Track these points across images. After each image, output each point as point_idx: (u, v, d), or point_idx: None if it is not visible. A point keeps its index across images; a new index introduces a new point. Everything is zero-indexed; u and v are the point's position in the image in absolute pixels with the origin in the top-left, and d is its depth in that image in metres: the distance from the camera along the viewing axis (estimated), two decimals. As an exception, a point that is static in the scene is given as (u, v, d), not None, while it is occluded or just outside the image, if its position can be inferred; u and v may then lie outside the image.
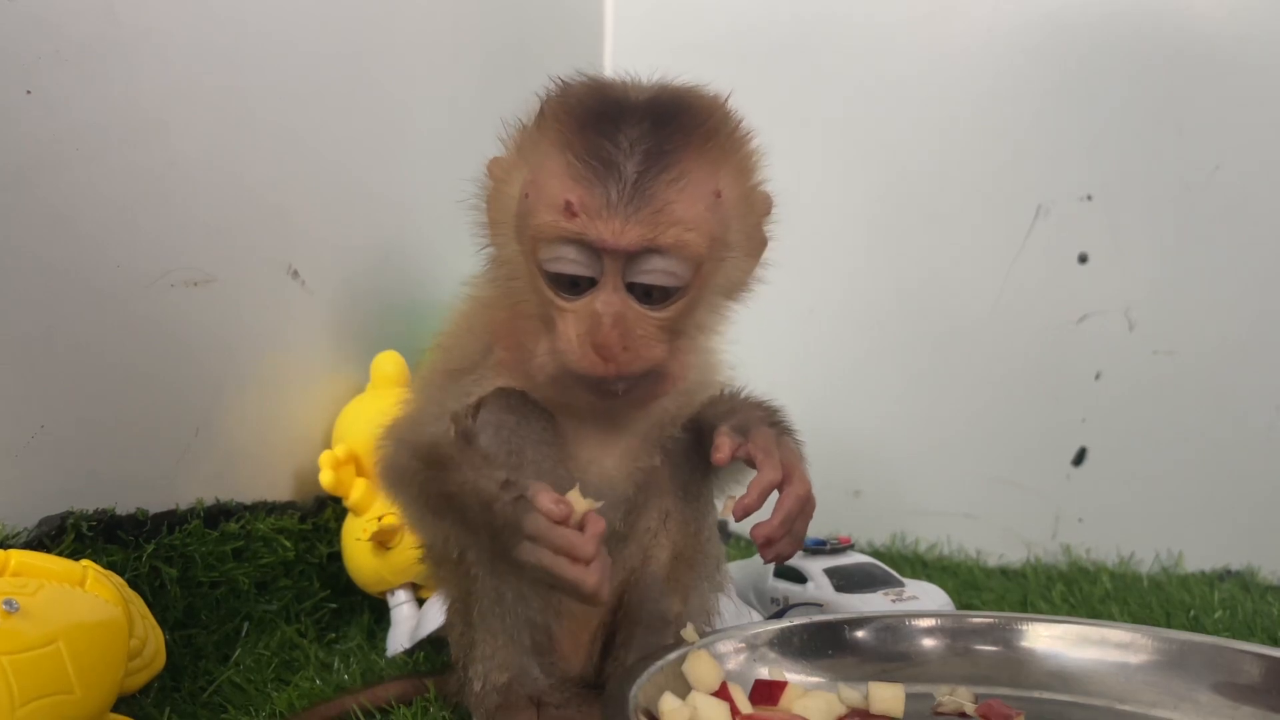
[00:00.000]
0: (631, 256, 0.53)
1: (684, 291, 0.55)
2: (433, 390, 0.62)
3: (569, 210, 0.52)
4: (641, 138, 0.52)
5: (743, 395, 0.63)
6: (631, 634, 0.61)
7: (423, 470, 0.57)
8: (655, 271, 0.53)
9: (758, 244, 0.59)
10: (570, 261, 0.53)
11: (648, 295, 0.54)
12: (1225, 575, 1.07)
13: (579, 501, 0.51)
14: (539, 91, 0.57)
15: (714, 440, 0.57)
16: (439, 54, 1.07)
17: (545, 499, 0.50)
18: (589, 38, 1.33)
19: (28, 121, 0.63)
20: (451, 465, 0.55)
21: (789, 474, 0.56)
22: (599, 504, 0.52)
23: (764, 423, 0.59)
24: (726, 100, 0.57)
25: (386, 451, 0.60)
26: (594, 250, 0.53)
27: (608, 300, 0.53)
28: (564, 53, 1.23)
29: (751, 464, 0.56)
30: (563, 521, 0.50)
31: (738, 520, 0.56)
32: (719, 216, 0.55)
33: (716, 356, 0.64)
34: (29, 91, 0.63)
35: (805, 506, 0.56)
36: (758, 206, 0.58)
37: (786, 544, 0.56)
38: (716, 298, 0.59)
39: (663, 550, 0.62)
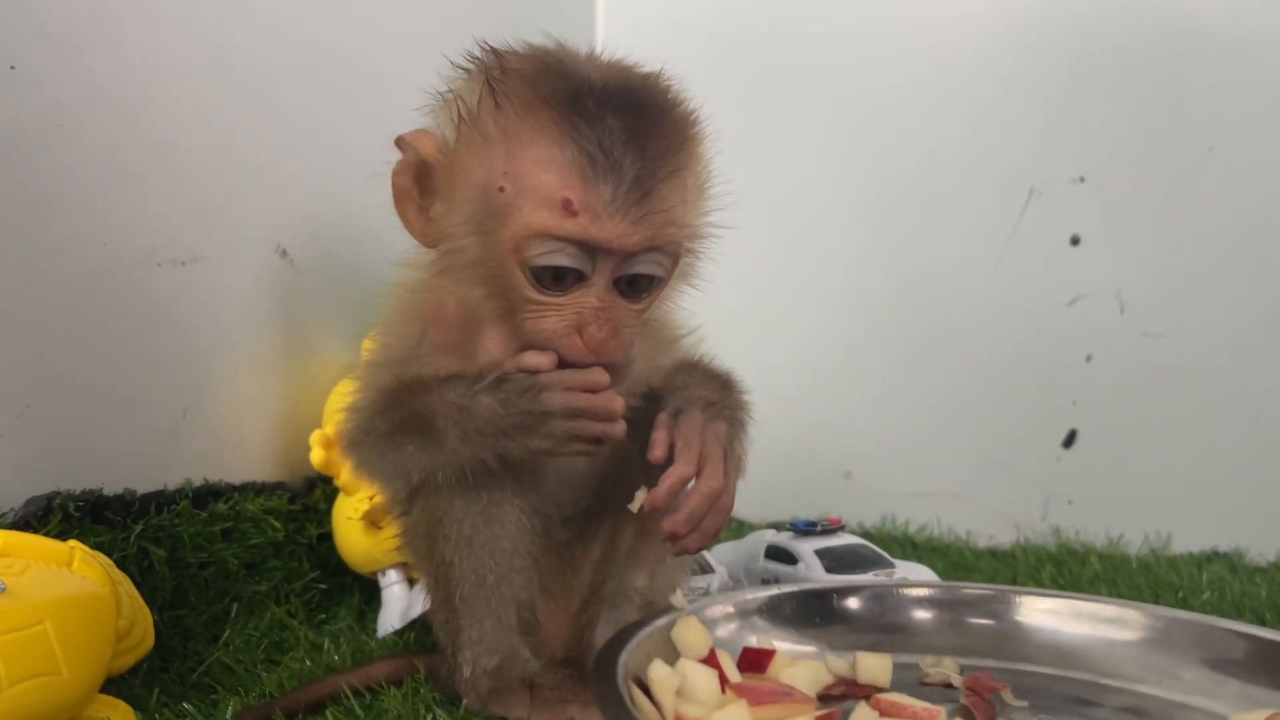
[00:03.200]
0: (628, 255, 0.53)
1: (663, 283, 0.56)
2: (376, 380, 0.60)
3: (568, 209, 0.51)
4: (632, 130, 0.51)
5: (701, 369, 0.61)
6: (598, 612, 0.61)
7: (386, 408, 0.56)
8: (647, 267, 0.54)
9: (706, 228, 0.59)
10: (564, 258, 0.52)
11: (629, 288, 0.54)
12: (1213, 557, 1.08)
13: None
14: (468, 61, 0.55)
15: (652, 434, 0.56)
16: (429, 32, 1.06)
17: (531, 358, 0.53)
18: (581, 23, 1.32)
19: (11, 98, 0.62)
20: (422, 388, 0.55)
21: (703, 468, 0.54)
22: None
23: (701, 405, 0.57)
24: (683, 87, 0.57)
25: (346, 421, 0.60)
26: (589, 248, 0.52)
27: (602, 297, 0.53)
28: (555, 37, 1.22)
29: None
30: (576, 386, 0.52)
31: (647, 514, 0.55)
32: (691, 209, 0.55)
33: (673, 331, 0.63)
34: (13, 67, 0.62)
35: (715, 504, 0.54)
36: (708, 191, 0.58)
37: (694, 540, 0.55)
38: (680, 284, 0.59)
39: (628, 527, 0.62)
